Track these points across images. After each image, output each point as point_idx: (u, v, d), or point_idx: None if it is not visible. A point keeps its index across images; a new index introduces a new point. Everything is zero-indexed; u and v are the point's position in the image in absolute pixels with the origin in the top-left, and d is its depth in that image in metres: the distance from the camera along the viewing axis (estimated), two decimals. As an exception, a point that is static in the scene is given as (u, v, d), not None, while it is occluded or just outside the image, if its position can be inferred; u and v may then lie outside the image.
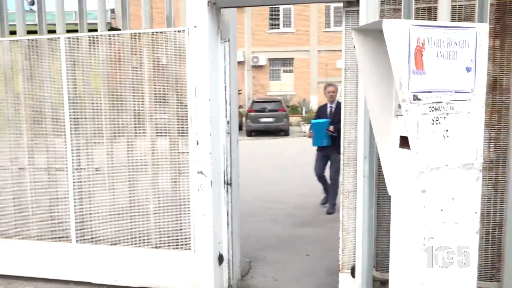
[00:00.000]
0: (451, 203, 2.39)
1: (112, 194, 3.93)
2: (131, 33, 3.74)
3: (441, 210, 2.37)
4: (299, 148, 12.05)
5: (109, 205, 3.95)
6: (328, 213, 6.46)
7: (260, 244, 5.17)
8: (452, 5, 3.09)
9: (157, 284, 3.87)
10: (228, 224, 3.90)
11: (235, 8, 3.96)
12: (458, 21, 3.14)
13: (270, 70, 27.80)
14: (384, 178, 2.76)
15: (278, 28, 27.40)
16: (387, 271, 2.91)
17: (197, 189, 3.62)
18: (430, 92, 2.28)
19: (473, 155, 2.41)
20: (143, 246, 3.90)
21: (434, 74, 2.28)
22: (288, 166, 10.80)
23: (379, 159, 2.92)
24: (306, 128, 14.98)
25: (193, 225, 3.74)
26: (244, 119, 19.76)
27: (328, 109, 6.46)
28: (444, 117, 2.32)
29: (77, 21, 3.96)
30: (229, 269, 3.93)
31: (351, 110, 3.42)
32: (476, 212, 2.45)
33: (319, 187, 6.83)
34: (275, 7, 26.81)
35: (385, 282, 3.41)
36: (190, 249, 3.78)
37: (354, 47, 2.54)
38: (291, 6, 26.64)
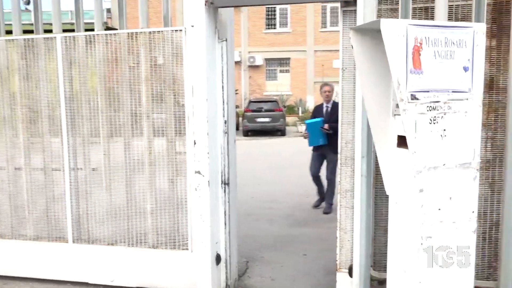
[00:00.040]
0: (449, 203, 2.39)
1: (109, 194, 3.92)
2: (128, 33, 3.73)
3: (439, 209, 2.37)
4: (296, 148, 12.06)
5: (106, 205, 3.93)
6: (325, 213, 6.47)
7: (257, 244, 5.17)
8: (449, 5, 3.10)
9: (154, 284, 3.86)
10: (225, 224, 3.90)
11: (232, 8, 3.96)
12: (455, 21, 3.15)
13: (266, 70, 27.81)
14: (381, 178, 2.77)
15: (274, 28, 27.42)
16: (385, 271, 2.91)
17: (195, 189, 3.61)
18: (428, 91, 2.28)
19: (471, 154, 2.41)
20: (140, 246, 3.89)
21: (431, 73, 2.28)
22: (284, 166, 10.81)
23: (376, 158, 2.92)
24: (302, 128, 14.98)
25: (190, 225, 3.74)
26: (240, 119, 19.75)
27: (324, 109, 6.46)
28: (442, 117, 2.32)
29: (73, 21, 3.95)
30: (226, 269, 3.93)
31: (348, 109, 3.43)
32: (473, 211, 2.46)
33: (316, 186, 6.82)
34: (271, 7, 26.82)
35: (382, 282, 3.42)
36: (187, 249, 3.77)
37: (352, 47, 2.54)
38: (288, 6, 26.65)
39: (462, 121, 2.37)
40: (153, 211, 3.84)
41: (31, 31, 4.04)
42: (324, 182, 6.65)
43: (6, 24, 4.12)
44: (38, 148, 4.04)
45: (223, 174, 3.86)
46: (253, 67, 27.44)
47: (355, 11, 3.22)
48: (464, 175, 2.42)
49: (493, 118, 3.23)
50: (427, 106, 2.29)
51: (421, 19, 3.20)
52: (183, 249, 3.79)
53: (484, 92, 2.46)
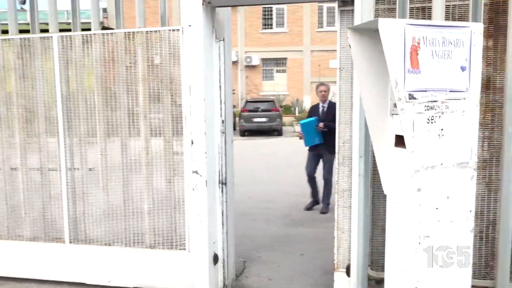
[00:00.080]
0: (446, 202, 2.40)
1: (106, 194, 3.91)
2: (125, 32, 3.72)
3: (436, 208, 2.38)
4: (293, 148, 12.06)
5: (103, 205, 3.92)
6: (322, 212, 6.47)
7: (254, 244, 5.17)
8: (446, 5, 3.11)
9: (151, 285, 3.85)
10: (223, 224, 3.89)
11: (230, 7, 3.96)
12: (452, 21, 3.15)
13: (263, 70, 27.82)
14: (379, 177, 2.77)
15: (271, 28, 27.43)
16: (382, 270, 2.92)
17: (192, 188, 3.61)
18: (426, 91, 2.28)
19: (468, 153, 2.42)
20: (137, 246, 3.88)
21: (429, 73, 2.28)
22: (281, 166, 10.81)
23: (374, 158, 2.93)
24: (298, 128, 15.02)
25: (187, 225, 3.73)
26: (237, 119, 19.75)
27: (320, 109, 6.46)
28: (439, 116, 2.33)
29: (69, 20, 3.93)
30: (224, 269, 3.92)
31: (346, 109, 3.43)
32: (470, 211, 2.47)
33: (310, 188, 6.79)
34: (268, 7, 26.84)
35: (380, 281, 3.42)
36: (184, 249, 3.76)
37: (350, 46, 2.54)
38: (284, 6, 26.68)
39: (459, 120, 2.38)
40: (150, 211, 3.83)
41: (27, 31, 4.02)
42: (320, 183, 6.64)
43: (2, 24, 4.10)
44: (34, 148, 4.02)
45: (220, 174, 3.86)
46: (250, 67, 27.44)
47: (352, 10, 3.22)
48: (461, 174, 2.42)
49: (489, 118, 3.25)
50: (425, 106, 2.29)
51: (418, 19, 3.21)
52: (180, 249, 3.78)
53: (481, 91, 2.47)
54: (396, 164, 2.52)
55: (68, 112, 3.89)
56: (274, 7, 26.93)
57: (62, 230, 4.00)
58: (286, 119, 22.24)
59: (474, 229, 2.55)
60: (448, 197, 2.40)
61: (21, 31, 4.08)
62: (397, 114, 2.33)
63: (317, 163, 6.59)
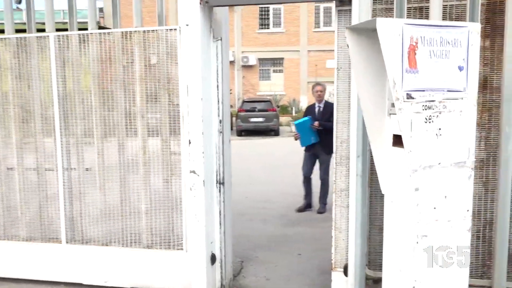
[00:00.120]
0: (444, 201, 2.40)
1: (103, 194, 3.89)
2: (122, 32, 3.71)
3: (434, 208, 2.38)
4: (289, 148, 12.05)
5: (100, 205, 3.90)
6: (319, 212, 6.47)
7: (252, 243, 5.17)
8: (444, 5, 3.12)
9: (148, 285, 3.84)
10: (220, 224, 3.89)
11: (227, 7, 3.95)
12: (449, 21, 3.16)
13: (260, 70, 27.81)
14: (376, 177, 2.77)
15: (268, 28, 27.43)
16: (380, 269, 2.92)
17: (190, 188, 3.60)
18: (423, 90, 2.29)
19: (465, 153, 2.42)
20: (134, 246, 3.86)
21: (427, 73, 2.29)
22: (278, 166, 10.81)
23: (372, 157, 2.93)
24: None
25: (185, 225, 3.72)
26: (234, 119, 19.74)
27: (316, 109, 6.46)
28: (437, 116, 2.33)
29: (65, 20, 3.91)
30: (221, 269, 3.92)
31: (343, 109, 3.43)
32: (468, 210, 2.47)
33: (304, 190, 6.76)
34: (265, 7, 26.83)
35: (377, 280, 3.43)
36: (182, 249, 3.76)
37: (348, 46, 2.54)
38: (281, 6, 26.69)
39: (457, 120, 2.39)
40: (147, 211, 3.82)
41: (22, 31, 4.00)
42: (315, 185, 6.63)
43: (-2, 23, 4.09)
44: (31, 148, 4.00)
45: (218, 174, 3.85)
46: (247, 67, 27.43)
47: (350, 10, 3.23)
48: (459, 174, 2.43)
49: (486, 118, 3.26)
50: (423, 105, 2.30)
51: (415, 18, 3.21)
52: (178, 249, 3.77)
53: (478, 91, 2.47)
54: (394, 164, 2.53)
55: (64, 111, 3.87)
56: (271, 7, 26.92)
57: (59, 230, 3.98)
58: (283, 119, 22.25)
59: (471, 228, 2.56)
60: (445, 196, 2.40)
61: (17, 31, 4.06)
62: (395, 114, 2.33)
63: (313, 164, 6.58)
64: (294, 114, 24.02)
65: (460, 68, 2.37)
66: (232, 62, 25.72)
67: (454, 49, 2.34)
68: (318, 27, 26.91)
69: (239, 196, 7.07)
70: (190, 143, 3.55)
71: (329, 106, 6.29)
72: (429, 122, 2.32)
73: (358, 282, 3.36)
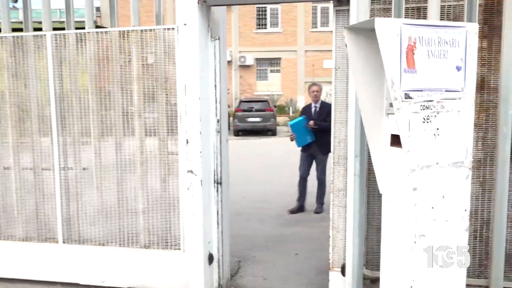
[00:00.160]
0: (442, 201, 2.40)
1: (100, 194, 3.88)
2: (120, 31, 3.70)
3: (432, 207, 2.39)
4: (287, 148, 12.05)
5: (97, 205, 3.89)
6: (316, 212, 6.47)
7: (249, 243, 5.16)
8: (441, 5, 3.12)
9: (146, 285, 3.83)
10: (218, 224, 3.88)
11: (225, 6, 3.95)
12: (447, 21, 3.17)
13: (257, 70, 27.81)
14: (374, 177, 2.78)
15: (265, 28, 27.43)
16: (378, 269, 2.92)
17: (187, 188, 3.59)
18: (422, 90, 2.29)
19: (463, 153, 2.43)
20: (131, 246, 3.85)
21: (425, 72, 2.29)
22: (275, 166, 10.81)
23: (369, 157, 2.93)
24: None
25: (182, 225, 3.71)
26: (231, 118, 19.74)
27: (313, 109, 6.45)
28: (435, 116, 2.33)
29: (62, 19, 3.90)
30: (219, 269, 3.91)
31: (341, 108, 3.43)
32: (465, 210, 2.48)
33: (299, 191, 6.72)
34: (262, 7, 26.85)
35: (375, 280, 3.43)
36: (179, 248, 3.75)
37: (346, 46, 2.54)
38: (278, 6, 26.74)
39: (455, 120, 2.39)
40: (145, 211, 3.81)
41: (19, 30, 3.98)
42: (312, 186, 6.62)
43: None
44: (27, 147, 3.98)
45: (215, 173, 3.84)
46: (244, 67, 27.42)
47: (348, 10, 3.23)
48: (456, 173, 2.43)
49: (484, 118, 3.27)
50: (421, 105, 2.30)
51: (413, 19, 3.22)
52: (175, 249, 3.77)
53: (475, 92, 2.48)
54: (392, 164, 2.53)
55: (61, 111, 3.86)
56: (268, 7, 26.94)
57: (56, 230, 3.97)
58: (280, 119, 22.24)
59: (469, 228, 2.56)
60: (443, 196, 2.41)
61: (14, 30, 4.04)
62: (393, 114, 2.33)
63: (310, 164, 6.57)
64: (291, 114, 24.03)
65: (458, 68, 2.38)
66: (229, 62, 25.72)
67: (452, 49, 2.35)
68: (316, 27, 26.94)
69: (237, 196, 7.06)
70: (187, 142, 3.54)
71: (325, 107, 6.29)
72: (427, 122, 2.32)
73: (355, 282, 3.36)
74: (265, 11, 27.18)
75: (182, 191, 3.67)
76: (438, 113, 2.34)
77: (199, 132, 3.52)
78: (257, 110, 19.26)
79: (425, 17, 3.16)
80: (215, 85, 3.77)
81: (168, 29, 3.60)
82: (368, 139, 2.70)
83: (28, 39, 3.86)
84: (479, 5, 3.12)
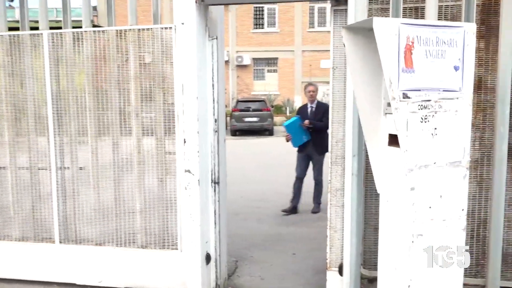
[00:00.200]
0: (439, 201, 2.41)
1: (97, 194, 3.86)
2: (117, 30, 3.68)
3: (430, 207, 2.39)
4: (284, 148, 12.06)
5: (94, 204, 3.88)
6: (314, 212, 6.48)
7: (246, 243, 5.16)
8: (439, 5, 3.13)
9: (143, 285, 3.82)
10: (215, 223, 3.88)
11: (223, 6, 3.94)
12: (445, 21, 3.17)
13: (254, 69, 27.79)
14: (372, 176, 2.78)
15: (262, 28, 27.42)
16: (375, 269, 2.93)
17: (184, 188, 3.58)
18: (419, 90, 2.29)
19: (461, 153, 2.43)
20: (128, 246, 3.84)
21: (423, 72, 2.29)
22: (272, 166, 10.81)
23: (367, 157, 2.93)
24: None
25: (180, 225, 3.70)
26: (228, 118, 19.73)
27: (309, 109, 6.44)
28: (433, 115, 2.34)
29: (58, 18, 3.88)
30: (216, 269, 3.91)
31: (339, 108, 3.43)
32: (463, 209, 2.48)
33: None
34: (259, 7, 26.84)
35: (372, 280, 3.43)
36: (177, 248, 3.74)
37: (344, 45, 2.54)
38: (276, 6, 26.72)
39: (452, 120, 2.40)
40: (142, 211, 3.80)
41: (15, 28, 3.96)
42: (309, 186, 6.62)
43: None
44: (24, 147, 3.97)
45: (213, 173, 3.84)
46: (241, 67, 27.40)
47: (345, 10, 3.23)
48: (454, 173, 2.44)
49: (481, 118, 3.27)
50: (419, 105, 2.30)
51: (411, 19, 3.22)
52: (172, 248, 3.76)
53: (472, 92, 2.48)
54: (390, 163, 2.53)
55: (58, 110, 3.84)
56: (266, 7, 26.93)
57: (52, 230, 3.95)
58: (277, 118, 22.26)
59: (466, 227, 2.57)
60: (441, 196, 2.41)
61: (10, 29, 4.02)
62: (391, 113, 2.33)
63: (307, 165, 6.55)
64: (288, 114, 24.04)
65: (456, 68, 2.38)
66: (226, 62, 25.69)
67: (450, 49, 2.35)
68: (313, 27, 26.95)
69: (234, 196, 7.06)
70: (185, 142, 3.54)
71: (321, 107, 6.29)
72: (425, 122, 2.32)
73: (353, 282, 3.36)
74: (263, 11, 27.17)
75: (180, 191, 3.66)
76: (436, 113, 2.35)
77: (196, 131, 3.51)
78: (254, 110, 19.27)
79: (423, 17, 3.16)
80: (213, 85, 3.76)
81: (165, 28, 3.59)
82: (366, 139, 2.70)
83: (25, 38, 3.84)
84: (477, 6, 3.12)
